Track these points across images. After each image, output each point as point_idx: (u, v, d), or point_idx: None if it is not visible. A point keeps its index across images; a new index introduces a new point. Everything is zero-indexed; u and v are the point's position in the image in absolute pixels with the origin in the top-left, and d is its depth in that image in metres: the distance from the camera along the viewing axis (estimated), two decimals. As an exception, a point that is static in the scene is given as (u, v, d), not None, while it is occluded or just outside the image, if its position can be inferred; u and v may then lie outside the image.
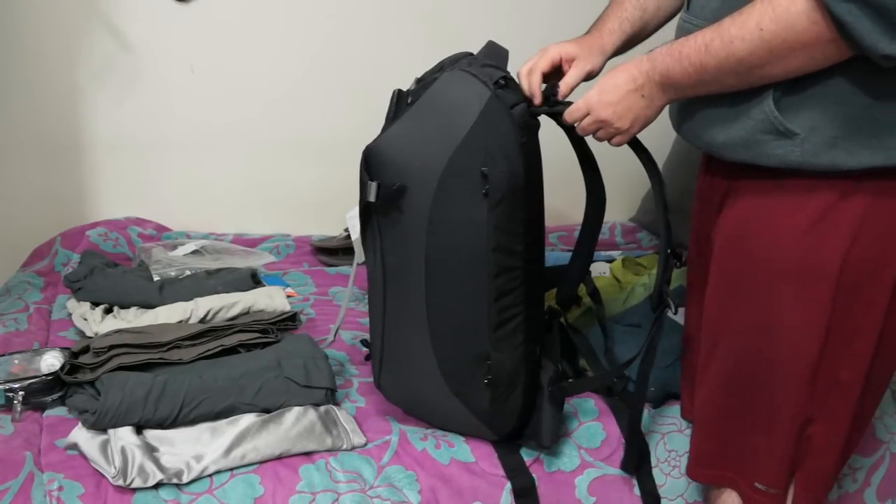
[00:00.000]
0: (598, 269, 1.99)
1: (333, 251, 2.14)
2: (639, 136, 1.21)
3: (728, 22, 1.01)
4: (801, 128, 1.02)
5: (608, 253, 2.18)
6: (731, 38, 1.00)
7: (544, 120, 1.27)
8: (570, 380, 1.48)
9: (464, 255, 1.22)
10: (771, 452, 1.18)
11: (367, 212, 1.28)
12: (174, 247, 1.96)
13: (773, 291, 1.11)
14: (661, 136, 2.34)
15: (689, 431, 1.43)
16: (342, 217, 1.94)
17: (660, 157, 2.35)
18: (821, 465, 1.18)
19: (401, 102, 1.26)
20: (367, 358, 1.43)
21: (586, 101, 1.17)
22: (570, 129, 1.27)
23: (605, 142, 1.20)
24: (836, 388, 1.12)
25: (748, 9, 0.99)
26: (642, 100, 1.13)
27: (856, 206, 1.04)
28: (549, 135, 1.30)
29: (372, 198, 1.22)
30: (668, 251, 1.27)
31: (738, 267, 1.15)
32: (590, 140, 1.33)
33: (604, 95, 1.15)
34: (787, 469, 1.18)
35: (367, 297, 1.38)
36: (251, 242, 2.18)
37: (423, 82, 1.25)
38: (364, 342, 1.53)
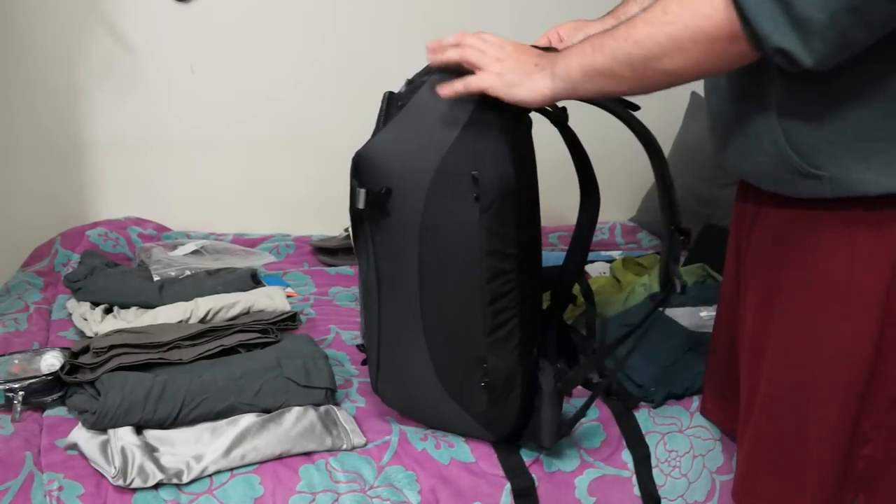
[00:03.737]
0: (598, 269, 1.99)
1: (333, 251, 2.14)
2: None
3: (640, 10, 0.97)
4: (825, 169, 0.97)
5: (608, 253, 2.19)
6: (636, 21, 0.96)
7: (543, 123, 1.27)
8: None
9: (456, 260, 1.22)
10: (822, 473, 1.10)
11: (358, 219, 1.27)
12: (174, 247, 1.96)
13: (810, 311, 1.06)
14: (661, 136, 2.36)
15: (689, 431, 1.44)
16: (342, 217, 1.94)
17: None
18: (892, 488, 1.08)
19: (391, 106, 1.25)
20: (364, 362, 1.43)
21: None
22: (562, 128, 1.25)
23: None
24: (894, 409, 1.04)
25: None
26: (535, 68, 1.08)
27: None
28: (547, 136, 1.30)
29: (361, 205, 1.22)
30: (673, 228, 1.23)
31: (773, 285, 1.10)
32: (586, 141, 1.33)
33: (506, 41, 1.11)
34: (839, 489, 1.09)
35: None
36: (251, 242, 2.18)
37: (413, 85, 1.24)
38: (360, 346, 1.53)
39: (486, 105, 1.16)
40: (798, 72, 0.89)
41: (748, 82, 1.03)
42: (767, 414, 1.14)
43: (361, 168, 1.24)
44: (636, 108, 1.22)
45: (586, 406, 1.34)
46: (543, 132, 1.28)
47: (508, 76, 1.10)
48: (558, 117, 1.22)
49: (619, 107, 1.20)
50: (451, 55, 1.15)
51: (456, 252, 1.21)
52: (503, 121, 1.18)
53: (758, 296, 1.14)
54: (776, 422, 1.13)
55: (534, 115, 1.24)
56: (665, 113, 2.44)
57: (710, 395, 1.42)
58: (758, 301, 1.14)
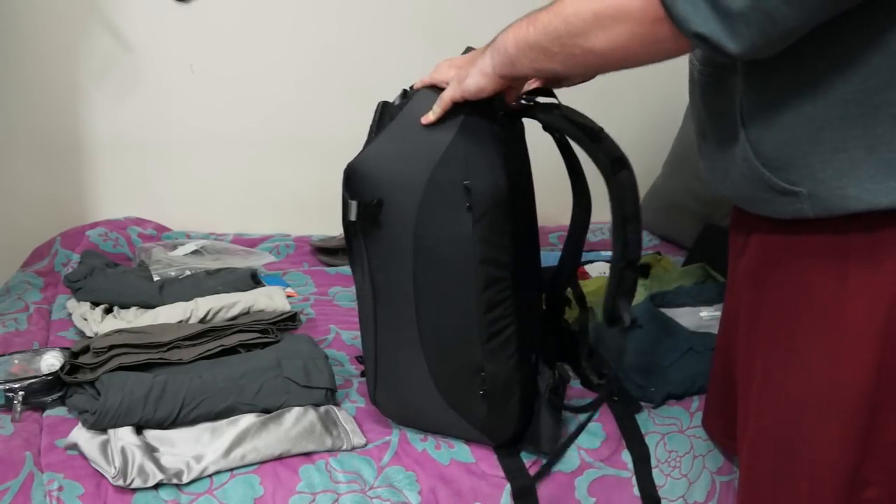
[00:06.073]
0: (598, 269, 1.99)
1: (333, 251, 2.14)
2: (640, 139, 1.19)
3: None
4: (801, 184, 0.90)
5: (608, 253, 2.18)
6: None
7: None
8: (569, 384, 1.46)
9: (451, 270, 1.21)
10: None
11: (352, 231, 1.27)
12: (174, 247, 1.96)
13: (798, 353, 0.99)
14: (661, 136, 2.36)
15: (690, 431, 1.44)
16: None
17: (660, 157, 2.37)
18: None
19: (384, 116, 1.25)
20: (363, 374, 1.43)
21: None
22: (555, 133, 1.25)
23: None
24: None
25: None
26: (481, 55, 1.09)
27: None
28: (546, 139, 1.30)
29: (353, 217, 1.22)
30: (623, 265, 1.16)
31: (758, 317, 1.05)
32: (576, 147, 1.33)
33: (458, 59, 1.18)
34: None
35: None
36: (251, 242, 2.18)
37: (407, 96, 1.24)
38: (359, 358, 1.53)
39: (476, 113, 1.16)
40: (735, 62, 0.83)
41: (720, 96, 0.99)
42: (757, 448, 1.10)
43: (353, 180, 1.24)
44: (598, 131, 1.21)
45: (588, 420, 1.30)
46: (541, 137, 1.28)
47: (461, 74, 1.14)
48: (550, 124, 1.21)
49: (578, 129, 1.18)
50: (426, 79, 1.22)
51: (450, 262, 1.21)
52: (494, 128, 1.18)
53: (746, 325, 1.09)
54: (765, 456, 1.09)
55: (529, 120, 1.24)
56: (665, 113, 2.45)
57: (710, 413, 1.39)
58: (746, 331, 1.10)
